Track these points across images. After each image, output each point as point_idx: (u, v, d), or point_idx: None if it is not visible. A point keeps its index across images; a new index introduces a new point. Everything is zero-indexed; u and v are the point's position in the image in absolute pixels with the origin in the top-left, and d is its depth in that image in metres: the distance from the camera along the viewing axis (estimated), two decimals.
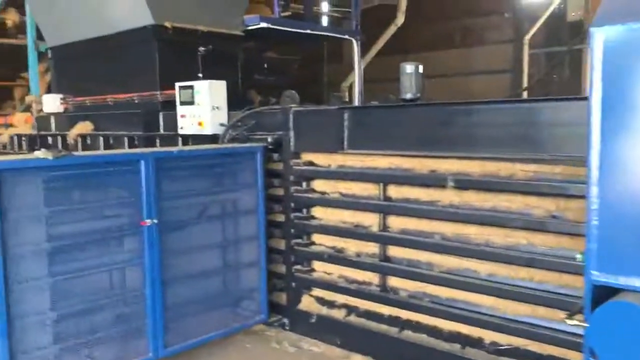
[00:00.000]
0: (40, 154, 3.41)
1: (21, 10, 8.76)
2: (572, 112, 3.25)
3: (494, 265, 3.60)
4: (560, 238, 3.29)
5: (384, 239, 4.21)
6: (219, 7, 6.56)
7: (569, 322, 3.01)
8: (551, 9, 15.32)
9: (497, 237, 3.56)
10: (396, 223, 4.09)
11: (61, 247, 3.53)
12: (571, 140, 3.18)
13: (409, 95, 4.52)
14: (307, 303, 4.73)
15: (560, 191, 3.25)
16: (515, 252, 3.48)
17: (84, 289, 3.67)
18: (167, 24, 6.00)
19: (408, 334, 4.09)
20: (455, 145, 3.72)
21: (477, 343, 3.72)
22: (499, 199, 3.53)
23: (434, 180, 3.81)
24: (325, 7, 13.71)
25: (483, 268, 3.65)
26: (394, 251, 4.16)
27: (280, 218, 4.84)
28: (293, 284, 4.79)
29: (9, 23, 9.15)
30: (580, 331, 3.03)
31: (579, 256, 3.00)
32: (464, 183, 3.65)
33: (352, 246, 4.44)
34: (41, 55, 8.44)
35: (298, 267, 4.76)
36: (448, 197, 3.76)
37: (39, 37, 8.11)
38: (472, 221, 3.66)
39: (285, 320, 4.85)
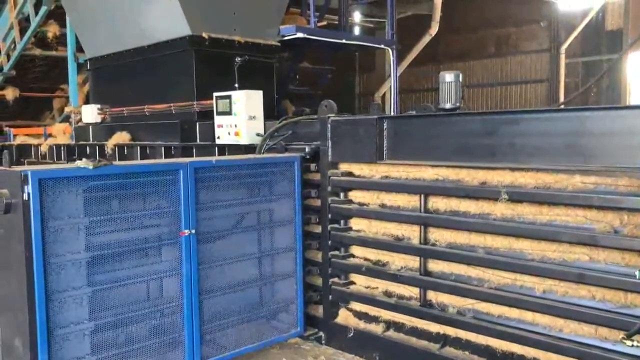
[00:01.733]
0: (80, 163, 3.41)
1: (62, 22, 8.95)
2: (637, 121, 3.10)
3: (551, 282, 3.43)
4: (625, 254, 3.12)
5: (423, 252, 4.09)
6: (256, 17, 6.58)
7: (627, 342, 2.87)
8: (588, 18, 15.05)
9: (553, 252, 3.40)
10: (445, 237, 3.95)
11: (100, 256, 3.50)
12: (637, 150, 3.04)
13: (448, 105, 4.41)
14: (344, 317, 4.63)
15: (624, 204, 3.08)
16: (572, 269, 3.31)
17: (121, 299, 3.65)
18: (204, 35, 6.05)
19: (450, 351, 3.95)
20: (506, 156, 3.58)
21: None
22: (555, 213, 3.37)
23: (485, 193, 3.66)
24: (357, 17, 13.74)
25: (539, 285, 3.48)
26: (441, 266, 4.03)
27: (318, 229, 4.76)
28: (330, 297, 4.70)
29: (50, 35, 9.36)
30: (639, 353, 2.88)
31: (637, 273, 2.86)
32: (517, 195, 3.49)
33: (391, 259, 4.34)
34: (80, 67, 8.60)
35: (335, 279, 4.67)
36: (500, 209, 3.61)
37: (79, 48, 8.26)
38: (527, 235, 3.50)
39: (322, 334, 4.75)
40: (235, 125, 5.30)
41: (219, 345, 4.16)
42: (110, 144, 6.73)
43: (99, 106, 7.32)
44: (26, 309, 3.19)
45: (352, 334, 4.52)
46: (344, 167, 4.61)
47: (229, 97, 5.36)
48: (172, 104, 6.30)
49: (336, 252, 4.65)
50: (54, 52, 9.83)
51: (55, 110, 11.03)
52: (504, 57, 17.63)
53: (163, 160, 5.12)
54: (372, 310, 4.47)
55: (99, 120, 7.31)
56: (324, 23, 9.79)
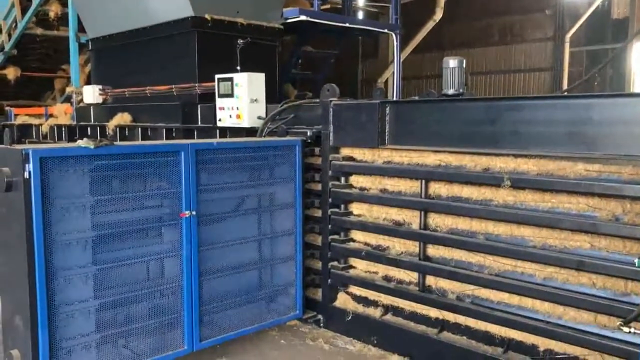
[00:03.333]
0: (82, 142, 3.41)
1: (63, 1, 8.89)
2: None
3: (551, 269, 3.43)
4: (626, 242, 3.11)
5: (423, 237, 4.09)
6: None
7: (624, 329, 2.89)
8: (594, 6, 14.91)
9: (555, 239, 3.40)
10: (446, 222, 3.95)
11: (100, 236, 3.51)
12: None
13: (451, 91, 4.40)
14: (343, 300, 4.65)
15: (627, 192, 3.06)
16: (573, 256, 3.30)
17: (122, 279, 3.65)
18: (207, 16, 6.00)
19: (448, 336, 3.97)
20: (509, 142, 3.56)
21: (530, 350, 3.57)
22: (558, 200, 3.36)
23: (487, 179, 3.65)
24: (361, 1, 13.62)
25: (539, 272, 3.48)
26: (441, 251, 4.03)
27: (318, 213, 4.76)
28: (329, 281, 4.71)
29: (52, 15, 9.29)
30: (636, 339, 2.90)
31: (637, 261, 2.87)
32: (520, 182, 3.48)
33: (391, 244, 4.34)
34: (81, 47, 8.55)
35: (335, 263, 4.68)
36: (502, 196, 3.61)
37: (80, 28, 8.21)
38: (528, 222, 3.49)
39: (320, 317, 4.77)
40: (237, 108, 5.28)
41: (218, 326, 4.18)
42: (111, 125, 6.72)
43: (100, 87, 7.29)
44: (27, 287, 3.20)
45: (350, 318, 4.55)
46: (345, 151, 4.60)
47: (230, 79, 5.33)
48: (173, 86, 6.27)
49: (336, 236, 4.65)
50: (55, 31, 9.76)
51: (57, 91, 10.99)
52: (509, 45, 17.50)
53: (164, 142, 5.10)
54: (371, 295, 4.49)
55: (100, 101, 7.29)
56: (327, 7, 9.71)
